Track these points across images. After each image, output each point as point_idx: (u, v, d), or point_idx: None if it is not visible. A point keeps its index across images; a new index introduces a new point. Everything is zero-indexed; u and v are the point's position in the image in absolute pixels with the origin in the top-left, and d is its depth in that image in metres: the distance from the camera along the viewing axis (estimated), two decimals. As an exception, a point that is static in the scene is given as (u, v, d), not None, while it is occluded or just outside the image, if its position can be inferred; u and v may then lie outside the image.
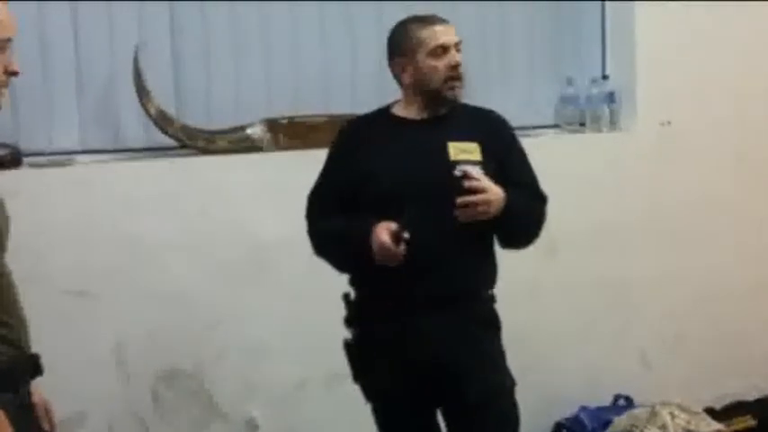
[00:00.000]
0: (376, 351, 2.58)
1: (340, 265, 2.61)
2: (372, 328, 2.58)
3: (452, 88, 2.53)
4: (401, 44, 2.56)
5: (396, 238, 2.37)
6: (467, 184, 2.41)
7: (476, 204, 2.42)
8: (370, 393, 2.65)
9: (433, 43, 2.50)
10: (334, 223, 2.56)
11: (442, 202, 2.45)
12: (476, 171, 2.45)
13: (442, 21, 2.57)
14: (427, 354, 2.51)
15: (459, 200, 2.41)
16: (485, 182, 2.44)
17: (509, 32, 4.01)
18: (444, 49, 2.51)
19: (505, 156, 2.61)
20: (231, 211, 3.37)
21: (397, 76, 2.60)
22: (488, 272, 2.62)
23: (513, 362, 2.66)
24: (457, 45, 2.54)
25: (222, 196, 3.36)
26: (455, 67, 2.51)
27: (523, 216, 2.56)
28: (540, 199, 2.67)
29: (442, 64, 2.51)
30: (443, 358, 2.52)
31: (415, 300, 2.48)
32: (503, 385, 2.61)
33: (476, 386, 2.54)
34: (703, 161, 4.08)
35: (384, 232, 2.37)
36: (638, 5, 3.92)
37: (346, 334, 2.64)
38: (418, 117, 2.59)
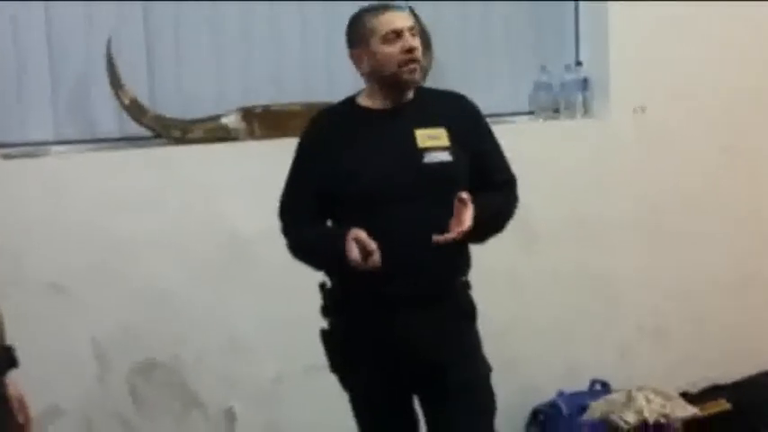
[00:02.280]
0: (353, 340, 2.58)
1: (319, 269, 2.60)
2: (349, 317, 2.58)
3: (410, 72, 2.51)
4: (355, 34, 2.55)
5: (365, 251, 2.36)
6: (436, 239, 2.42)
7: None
8: (347, 383, 2.65)
9: (385, 29, 2.48)
10: (307, 233, 2.56)
11: (414, 193, 2.46)
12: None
13: (395, 7, 2.56)
14: (405, 344, 2.51)
15: (435, 238, 2.41)
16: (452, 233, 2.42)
17: (483, 20, 4.02)
18: (397, 33, 2.48)
19: (474, 138, 2.60)
20: (208, 203, 3.37)
21: (357, 67, 2.59)
22: (463, 261, 2.62)
23: (493, 351, 2.66)
24: (411, 29, 2.52)
25: (199, 188, 3.36)
26: (410, 50, 2.49)
27: (492, 225, 2.56)
28: (510, 184, 2.66)
29: (396, 49, 2.48)
30: (422, 349, 2.52)
31: (393, 294, 2.47)
32: (479, 372, 2.61)
33: (454, 375, 2.54)
34: (678, 147, 4.09)
35: (353, 249, 2.36)
36: (612, -8, 3.94)
37: (323, 323, 2.64)
38: (383, 107, 2.57)
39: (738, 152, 4.23)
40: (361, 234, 2.36)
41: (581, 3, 4.10)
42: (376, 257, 2.36)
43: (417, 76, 2.55)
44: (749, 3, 4.15)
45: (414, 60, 2.50)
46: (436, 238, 2.41)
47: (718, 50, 4.11)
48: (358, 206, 2.48)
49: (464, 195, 2.40)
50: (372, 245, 2.35)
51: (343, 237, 2.38)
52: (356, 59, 2.57)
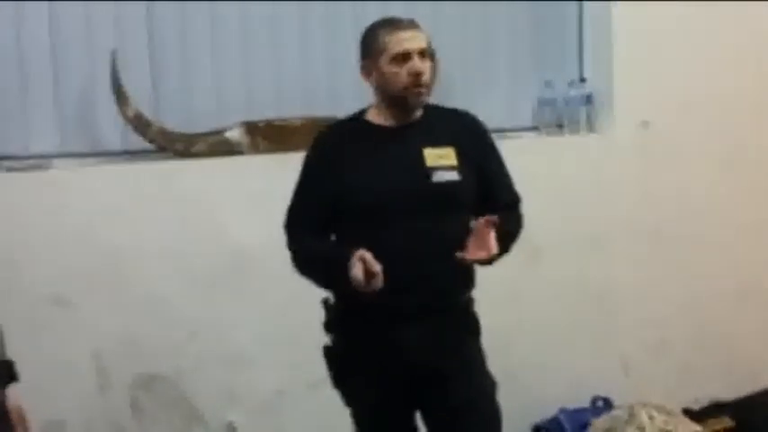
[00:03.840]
0: (357, 356, 2.57)
1: (323, 287, 2.60)
2: (353, 333, 2.58)
3: (415, 95, 2.51)
4: (368, 47, 2.55)
5: (368, 273, 2.34)
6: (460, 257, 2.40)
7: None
8: (349, 398, 2.64)
9: (395, 49, 2.48)
10: (313, 249, 2.56)
11: (421, 211, 2.46)
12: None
13: (412, 26, 2.53)
14: (409, 359, 2.51)
15: (459, 256, 2.39)
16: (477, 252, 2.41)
17: (487, 35, 4.02)
18: (406, 56, 2.48)
19: (481, 157, 2.61)
20: (210, 216, 3.36)
21: (365, 78, 2.59)
22: (468, 276, 2.61)
23: (495, 365, 2.66)
24: (422, 52, 2.50)
25: (201, 201, 3.35)
26: (417, 74, 2.48)
27: (505, 250, 2.54)
28: (517, 204, 2.68)
29: (402, 71, 2.48)
30: (425, 363, 2.52)
31: (397, 308, 2.47)
32: (484, 387, 2.61)
33: (457, 389, 2.54)
34: (682, 162, 4.09)
35: (358, 269, 2.34)
36: (616, 8, 3.93)
37: (326, 339, 2.63)
38: (392, 124, 2.57)
39: (741, 164, 4.23)
40: (367, 255, 2.35)
41: (584, 18, 4.10)
42: (378, 280, 2.35)
43: (422, 99, 2.56)
44: (755, 17, 4.16)
45: (419, 84, 2.50)
46: (460, 255, 2.40)
47: (722, 64, 4.11)
48: (363, 219, 2.48)
49: (491, 218, 2.38)
50: (376, 267, 2.34)
51: (348, 256, 2.37)
52: (365, 71, 2.57)
